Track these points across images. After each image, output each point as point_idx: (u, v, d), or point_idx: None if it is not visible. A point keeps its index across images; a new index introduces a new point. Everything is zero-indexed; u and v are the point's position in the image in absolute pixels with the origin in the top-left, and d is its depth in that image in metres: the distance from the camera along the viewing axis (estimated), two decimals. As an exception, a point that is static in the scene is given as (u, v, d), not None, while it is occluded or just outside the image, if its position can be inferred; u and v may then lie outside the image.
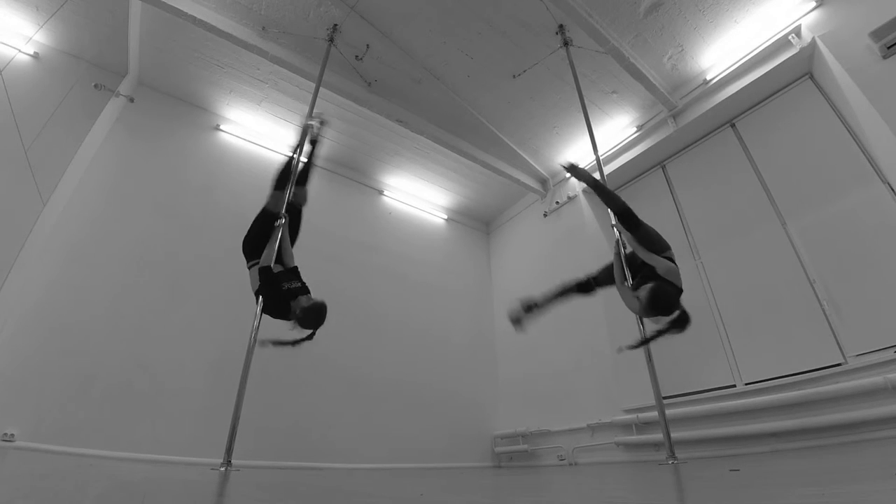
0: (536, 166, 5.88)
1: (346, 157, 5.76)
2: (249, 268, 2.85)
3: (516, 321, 3.13)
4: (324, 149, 5.58)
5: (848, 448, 2.49)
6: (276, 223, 2.91)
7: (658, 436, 2.56)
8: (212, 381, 3.64)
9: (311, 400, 4.39)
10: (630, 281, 2.83)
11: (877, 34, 3.14)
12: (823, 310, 3.46)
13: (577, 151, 5.61)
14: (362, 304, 5.22)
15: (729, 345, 3.99)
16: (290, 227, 3.01)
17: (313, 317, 2.63)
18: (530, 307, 3.11)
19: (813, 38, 3.65)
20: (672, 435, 2.54)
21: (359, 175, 5.99)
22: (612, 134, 5.21)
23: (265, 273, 2.66)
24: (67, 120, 3.80)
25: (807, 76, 3.99)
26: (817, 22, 3.65)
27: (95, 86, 4.04)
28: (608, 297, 4.86)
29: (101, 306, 3.63)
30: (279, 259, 2.84)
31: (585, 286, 3.12)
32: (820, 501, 0.62)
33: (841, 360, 3.25)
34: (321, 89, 4.05)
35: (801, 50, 3.73)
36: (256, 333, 2.57)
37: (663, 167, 5.15)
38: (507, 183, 6.07)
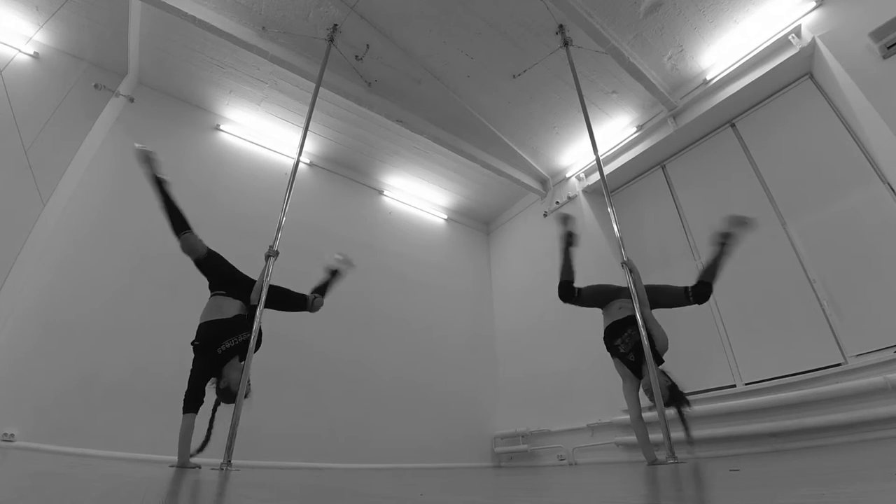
0: (536, 166, 5.88)
1: (346, 157, 5.77)
2: (213, 295, 2.64)
3: (566, 220, 3.17)
4: (324, 149, 5.61)
5: (848, 448, 2.49)
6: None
7: (658, 436, 2.56)
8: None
9: (311, 400, 4.39)
10: (620, 339, 2.79)
11: (877, 34, 3.14)
12: (823, 310, 3.47)
13: (578, 151, 5.62)
14: (362, 304, 5.22)
15: (729, 345, 3.99)
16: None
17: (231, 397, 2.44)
18: (570, 235, 3.11)
19: (813, 38, 3.65)
20: (672, 435, 2.54)
21: (359, 175, 5.99)
22: (612, 134, 5.21)
23: (238, 322, 2.51)
24: (67, 120, 3.80)
25: (807, 76, 3.99)
26: (817, 22, 3.65)
27: (95, 86, 4.04)
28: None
29: (101, 306, 3.64)
30: (242, 296, 2.66)
31: (568, 293, 3.01)
32: (820, 501, 0.62)
33: (841, 360, 3.25)
34: (321, 89, 4.05)
35: (801, 50, 3.73)
36: (256, 333, 2.57)
37: (663, 167, 5.15)
38: (507, 183, 6.07)
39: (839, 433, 2.89)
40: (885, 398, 2.76)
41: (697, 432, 3.56)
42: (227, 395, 2.42)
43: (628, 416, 4.06)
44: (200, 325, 2.53)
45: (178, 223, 2.63)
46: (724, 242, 2.82)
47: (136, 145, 2.68)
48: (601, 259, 5.09)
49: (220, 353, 2.44)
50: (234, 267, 2.79)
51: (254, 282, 2.77)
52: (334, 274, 3.28)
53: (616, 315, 2.87)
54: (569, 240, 3.12)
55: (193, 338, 2.51)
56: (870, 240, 3.32)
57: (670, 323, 4.36)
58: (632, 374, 2.74)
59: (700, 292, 2.77)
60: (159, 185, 2.66)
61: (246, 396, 2.51)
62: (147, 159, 2.66)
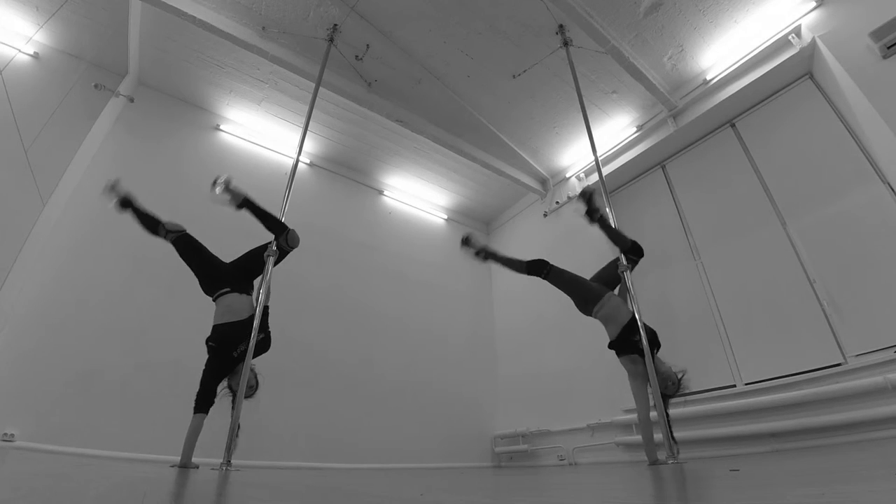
0: (536, 166, 5.88)
1: (346, 157, 5.77)
2: (218, 297, 2.62)
3: (466, 242, 3.19)
4: (324, 149, 5.61)
5: (848, 448, 2.49)
6: (266, 254, 2.75)
7: (658, 435, 2.56)
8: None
9: (311, 400, 4.39)
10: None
11: (877, 34, 3.14)
12: (823, 310, 3.46)
13: (578, 151, 5.62)
14: (362, 304, 5.22)
15: (729, 345, 3.99)
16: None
17: (247, 395, 2.51)
18: (482, 251, 3.16)
19: (813, 38, 3.65)
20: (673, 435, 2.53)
21: (359, 175, 5.99)
22: (612, 134, 5.21)
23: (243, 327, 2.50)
24: (67, 120, 3.80)
25: (807, 76, 3.99)
26: (817, 22, 3.65)
27: (95, 86, 4.04)
28: (608, 297, 4.86)
29: (101, 306, 3.63)
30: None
31: (538, 268, 3.01)
32: (820, 501, 0.62)
33: (841, 360, 3.25)
34: (321, 89, 4.05)
35: (801, 50, 3.73)
36: (256, 333, 2.57)
37: (663, 167, 5.15)
38: (507, 183, 6.07)
39: (839, 433, 2.89)
40: (885, 398, 2.76)
41: (698, 432, 3.57)
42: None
43: (628, 416, 4.09)
44: (216, 327, 2.55)
45: (156, 227, 2.71)
46: (595, 218, 2.97)
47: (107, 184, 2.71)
48: (601, 260, 5.08)
49: (235, 356, 2.49)
50: (211, 259, 2.74)
51: (239, 262, 2.78)
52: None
53: (625, 317, 2.81)
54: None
55: (207, 337, 2.54)
56: (870, 240, 3.32)
57: (670, 324, 4.36)
58: (645, 371, 2.64)
59: (634, 253, 2.97)
60: (130, 205, 2.73)
61: (252, 395, 2.55)
62: (113, 189, 2.71)
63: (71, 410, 3.22)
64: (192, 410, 2.35)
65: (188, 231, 2.75)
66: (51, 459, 2.42)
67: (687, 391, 2.72)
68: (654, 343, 2.72)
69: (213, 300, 2.67)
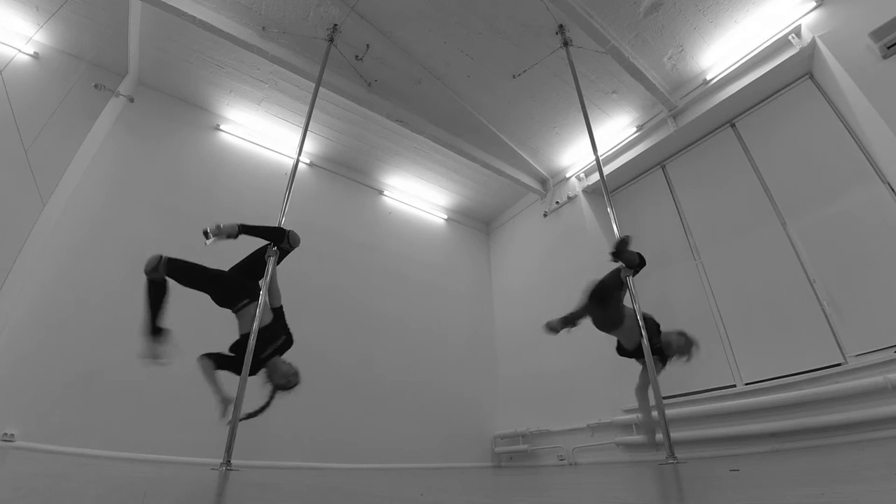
0: (536, 166, 5.88)
1: (346, 157, 5.77)
2: (240, 309, 2.63)
3: (553, 329, 3.20)
4: (324, 149, 5.61)
5: (848, 448, 2.49)
6: (266, 255, 2.76)
7: (658, 435, 2.56)
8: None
9: (311, 400, 4.36)
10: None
11: (877, 34, 3.14)
12: (823, 310, 3.46)
13: (578, 151, 5.62)
14: (362, 304, 5.22)
15: (729, 345, 3.99)
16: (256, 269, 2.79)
17: (294, 384, 2.64)
18: (565, 322, 3.17)
19: (813, 38, 3.65)
20: (672, 435, 2.54)
21: (359, 175, 5.99)
22: (612, 134, 5.21)
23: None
24: (67, 120, 3.79)
25: (807, 76, 3.99)
26: (817, 22, 3.65)
27: (95, 86, 4.04)
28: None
29: (101, 306, 3.63)
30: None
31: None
32: (820, 501, 0.62)
33: (841, 360, 3.25)
34: (321, 89, 4.05)
35: (801, 50, 3.73)
36: (256, 334, 2.57)
37: (663, 167, 5.15)
38: (507, 183, 6.07)
39: (839, 433, 2.89)
40: (885, 398, 2.76)
41: (698, 432, 3.57)
42: (285, 387, 2.64)
43: (628, 416, 4.09)
44: (244, 336, 2.62)
45: (156, 285, 2.61)
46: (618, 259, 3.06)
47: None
48: (601, 260, 5.09)
49: (262, 357, 2.59)
50: (216, 276, 2.71)
51: (243, 266, 2.82)
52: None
53: (638, 336, 2.90)
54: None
55: (232, 343, 2.64)
56: (870, 240, 3.32)
57: (670, 324, 4.34)
58: (660, 363, 2.84)
59: (641, 266, 3.08)
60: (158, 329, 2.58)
61: (295, 385, 2.67)
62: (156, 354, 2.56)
63: (71, 410, 3.22)
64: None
65: (165, 255, 2.61)
66: (51, 459, 2.42)
67: (697, 346, 2.87)
68: (657, 330, 2.89)
69: (234, 312, 2.68)
